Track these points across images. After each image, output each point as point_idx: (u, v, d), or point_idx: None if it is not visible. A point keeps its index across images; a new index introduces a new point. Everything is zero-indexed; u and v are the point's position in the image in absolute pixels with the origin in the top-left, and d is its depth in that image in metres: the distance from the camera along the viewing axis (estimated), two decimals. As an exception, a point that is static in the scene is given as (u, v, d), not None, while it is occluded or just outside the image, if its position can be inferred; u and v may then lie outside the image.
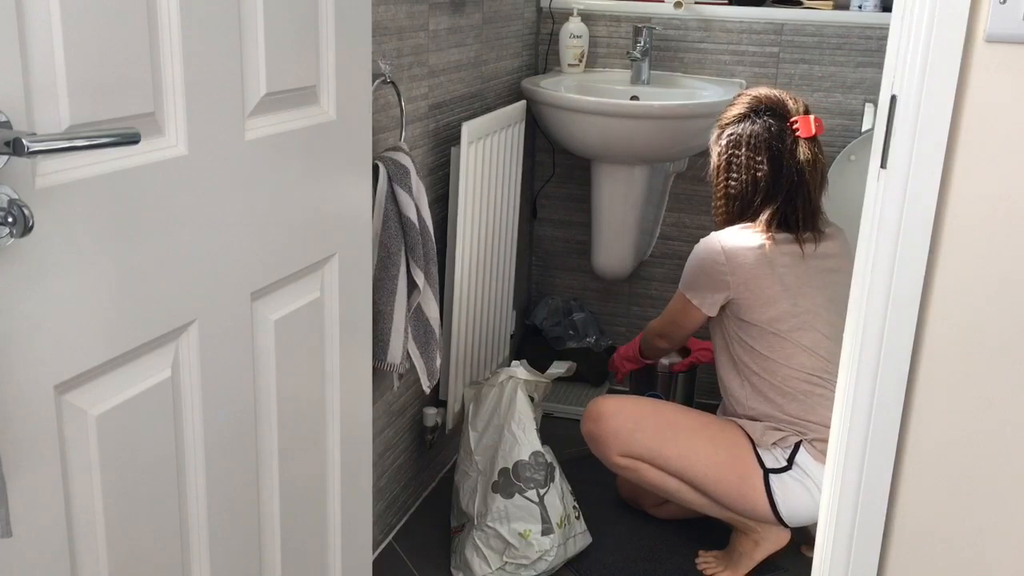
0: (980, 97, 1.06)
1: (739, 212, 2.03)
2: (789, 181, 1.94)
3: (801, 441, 1.98)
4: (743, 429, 2.04)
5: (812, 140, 1.95)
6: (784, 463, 1.99)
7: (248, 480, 1.24)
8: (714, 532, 2.21)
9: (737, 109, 2.01)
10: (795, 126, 1.94)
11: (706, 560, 2.15)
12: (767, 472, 1.99)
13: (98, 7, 0.90)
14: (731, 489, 2.01)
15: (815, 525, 2.10)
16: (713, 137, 2.08)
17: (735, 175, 1.99)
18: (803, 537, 2.17)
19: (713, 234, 2.03)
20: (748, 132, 1.96)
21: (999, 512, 1.18)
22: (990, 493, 1.17)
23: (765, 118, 1.96)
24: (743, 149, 1.96)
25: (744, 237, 2.00)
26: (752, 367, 2.02)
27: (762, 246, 1.98)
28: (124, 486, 1.02)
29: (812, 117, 1.95)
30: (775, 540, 2.09)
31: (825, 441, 1.93)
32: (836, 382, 1.96)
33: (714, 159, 2.06)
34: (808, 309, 2.00)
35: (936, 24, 1.04)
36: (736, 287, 1.98)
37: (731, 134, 2.00)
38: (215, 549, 1.18)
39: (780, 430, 1.99)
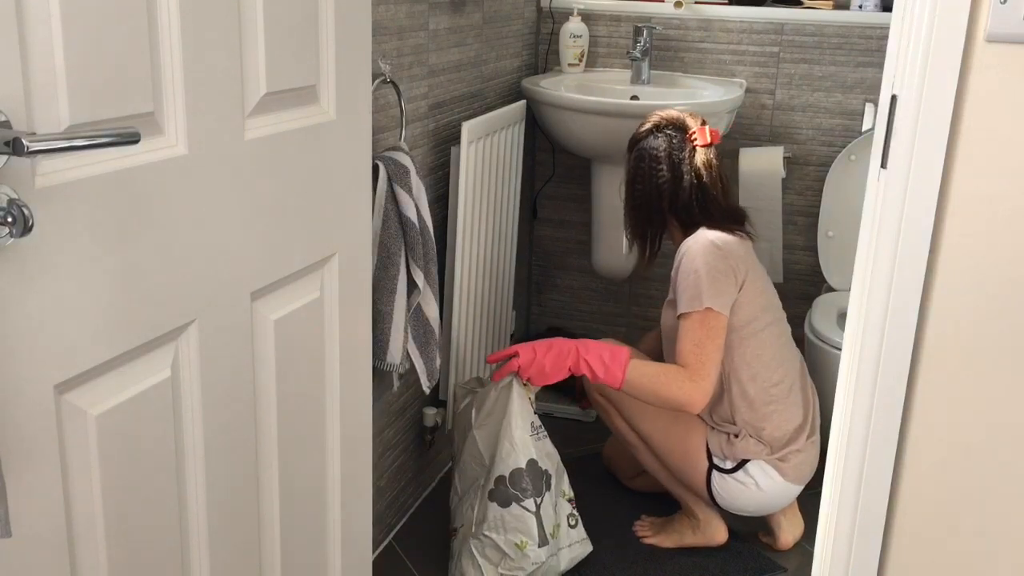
0: (980, 97, 1.06)
1: (646, 220, 2.12)
2: (690, 184, 2.05)
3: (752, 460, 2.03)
4: (704, 427, 2.07)
5: (709, 147, 2.08)
6: (731, 467, 2.04)
7: (248, 480, 1.23)
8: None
9: (646, 125, 2.13)
10: (693, 136, 2.07)
11: (643, 524, 2.26)
12: (712, 467, 2.05)
13: (98, 7, 0.90)
14: (676, 462, 2.10)
15: (770, 515, 2.14)
16: (626, 155, 2.17)
17: (639, 185, 2.11)
18: (761, 526, 2.23)
19: (690, 240, 2.01)
20: (652, 146, 2.09)
21: (999, 512, 1.18)
22: (991, 493, 1.17)
23: (667, 132, 2.09)
24: (646, 161, 2.09)
25: (715, 233, 2.01)
26: (729, 375, 2.03)
27: (738, 238, 2.03)
28: (124, 486, 1.02)
29: (707, 127, 2.09)
30: (712, 535, 2.17)
31: (782, 459, 2.02)
32: (791, 385, 2.03)
33: (625, 174, 2.17)
34: (776, 305, 2.09)
35: (936, 24, 1.04)
36: (741, 278, 1.99)
37: (639, 149, 2.12)
38: (215, 549, 1.18)
39: (734, 444, 2.02)
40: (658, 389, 1.94)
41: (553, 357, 1.96)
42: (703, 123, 2.10)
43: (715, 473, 2.04)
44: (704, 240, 1.99)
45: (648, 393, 1.95)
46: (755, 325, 2.01)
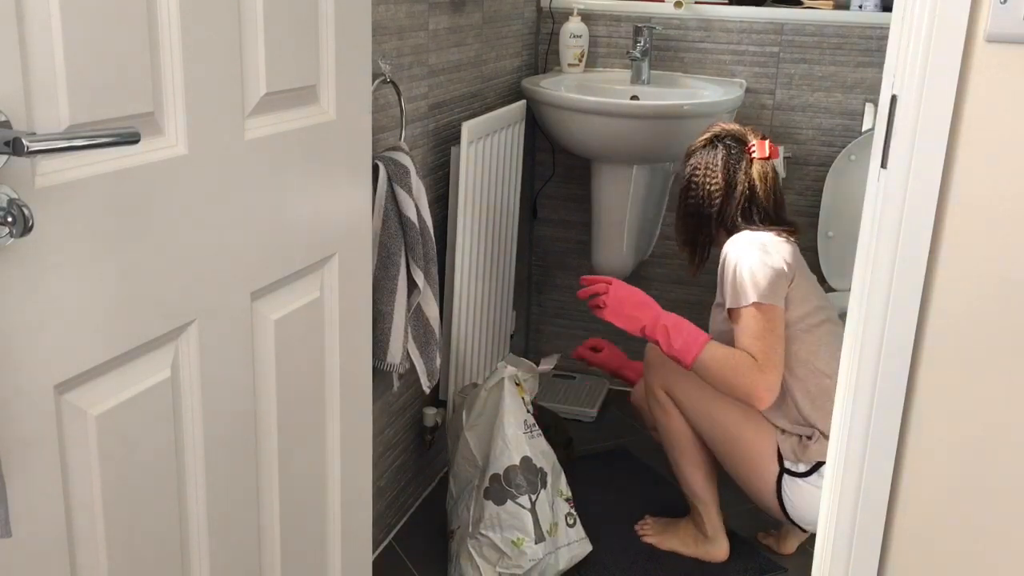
0: (980, 97, 1.06)
1: (696, 228, 2.12)
2: (742, 194, 2.05)
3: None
4: (773, 430, 2.01)
5: (767, 161, 2.08)
6: (805, 470, 1.96)
7: (248, 480, 1.23)
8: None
9: (705, 136, 2.14)
10: (752, 148, 2.07)
11: (645, 523, 2.26)
12: (783, 471, 1.98)
13: (98, 7, 0.90)
14: (743, 466, 2.03)
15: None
16: (681, 163, 2.18)
17: (693, 193, 2.11)
18: (764, 525, 2.22)
19: (732, 238, 2.00)
20: (711, 155, 2.09)
21: (999, 512, 1.18)
22: (990, 493, 1.17)
23: (726, 142, 2.09)
24: (702, 169, 2.09)
25: (762, 234, 1.99)
26: (785, 375, 1.96)
27: (786, 238, 2.01)
28: (124, 486, 1.02)
29: (768, 142, 2.08)
30: (714, 553, 2.16)
31: None
32: None
33: (681, 181, 2.17)
34: (828, 306, 2.04)
35: (936, 24, 1.04)
36: (791, 272, 1.96)
37: (695, 159, 2.12)
38: (215, 549, 1.18)
39: (807, 447, 1.96)
40: (725, 373, 1.88)
41: (636, 306, 1.97)
42: (763, 137, 2.10)
43: (786, 477, 1.97)
44: (747, 237, 1.97)
45: (715, 375, 1.90)
46: (809, 321, 1.97)
